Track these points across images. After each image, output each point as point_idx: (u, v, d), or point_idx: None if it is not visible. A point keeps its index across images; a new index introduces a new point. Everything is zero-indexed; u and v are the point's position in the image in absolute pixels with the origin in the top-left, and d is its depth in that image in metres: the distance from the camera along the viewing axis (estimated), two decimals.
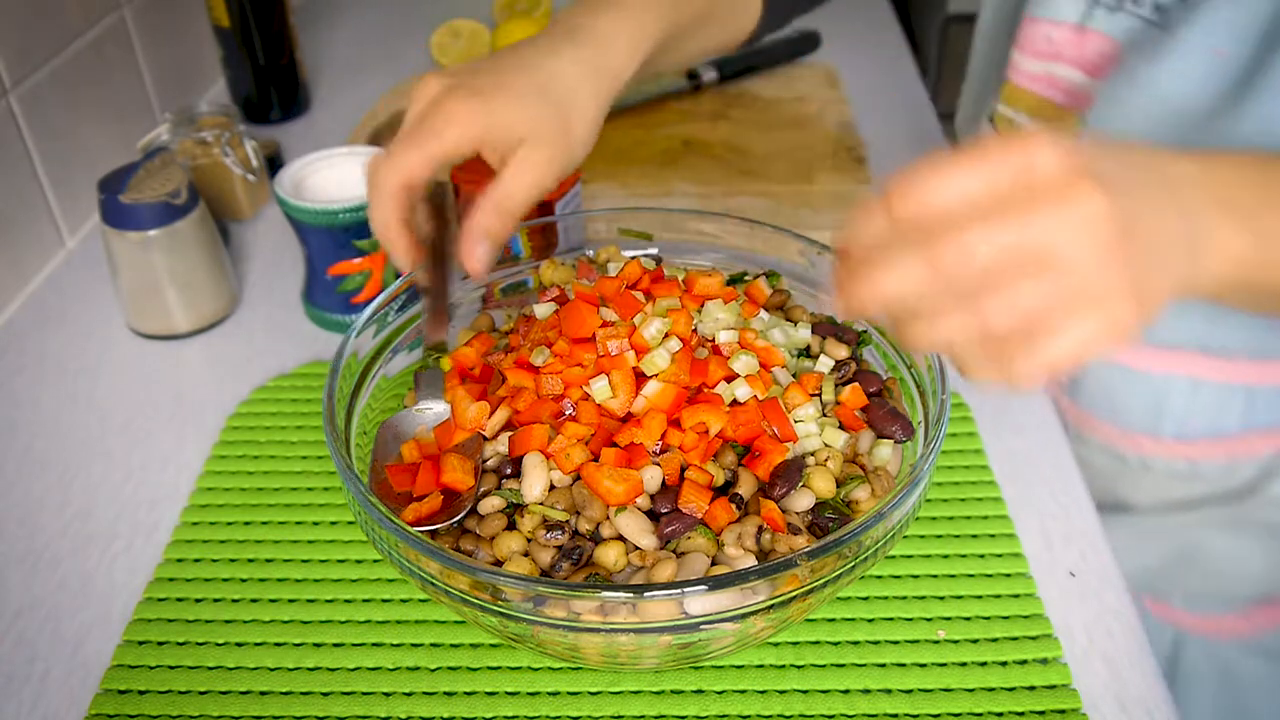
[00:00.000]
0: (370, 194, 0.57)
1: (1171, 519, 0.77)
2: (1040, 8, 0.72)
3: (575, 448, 0.53)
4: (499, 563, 0.51)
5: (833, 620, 0.59)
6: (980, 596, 0.61)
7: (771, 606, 0.47)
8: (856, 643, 0.58)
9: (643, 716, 0.55)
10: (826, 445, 0.56)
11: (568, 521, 0.51)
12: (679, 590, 0.45)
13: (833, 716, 0.55)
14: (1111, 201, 0.37)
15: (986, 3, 0.85)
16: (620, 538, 0.51)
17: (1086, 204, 0.37)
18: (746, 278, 0.66)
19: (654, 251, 0.69)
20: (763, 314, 0.62)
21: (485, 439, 0.57)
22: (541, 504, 0.52)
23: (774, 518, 0.51)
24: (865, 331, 0.62)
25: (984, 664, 0.57)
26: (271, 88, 1.10)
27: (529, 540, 0.52)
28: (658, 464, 0.53)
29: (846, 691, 0.56)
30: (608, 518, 0.51)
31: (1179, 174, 0.44)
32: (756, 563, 0.50)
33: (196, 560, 0.64)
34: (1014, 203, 0.37)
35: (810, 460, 0.55)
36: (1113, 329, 0.38)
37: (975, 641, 0.58)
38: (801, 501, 0.53)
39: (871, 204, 0.39)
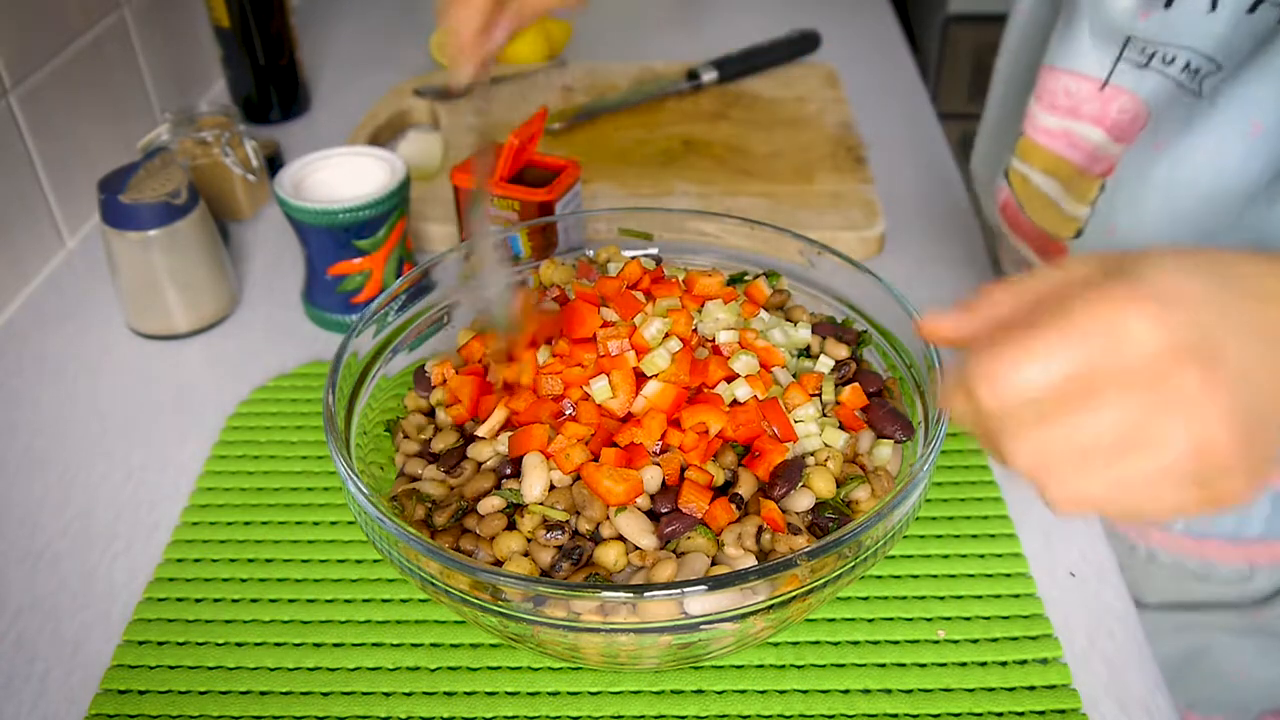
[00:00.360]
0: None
1: (1180, 619, 0.74)
2: (1060, 57, 0.66)
3: (575, 448, 0.53)
4: (499, 563, 0.51)
5: (833, 620, 0.59)
6: (980, 596, 0.61)
7: (771, 606, 0.47)
8: (856, 643, 0.58)
9: (643, 716, 0.55)
10: (826, 445, 0.56)
11: (567, 521, 0.51)
12: (679, 590, 0.45)
13: (833, 716, 0.55)
14: (1216, 382, 0.35)
15: (1005, 45, 0.79)
16: (620, 538, 0.51)
17: (1190, 391, 0.35)
18: (746, 278, 0.66)
19: (654, 251, 0.69)
20: (763, 314, 0.62)
21: (480, 437, 0.57)
22: (541, 504, 0.52)
23: (774, 518, 0.51)
24: (865, 332, 0.62)
25: (984, 664, 0.57)
26: (271, 88, 1.10)
27: (529, 540, 0.52)
28: (658, 464, 0.53)
29: (846, 691, 0.56)
30: (608, 518, 0.51)
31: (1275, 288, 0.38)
32: (756, 563, 0.50)
33: (196, 560, 0.64)
34: (1110, 393, 0.35)
35: (810, 460, 0.55)
36: (1220, 501, 0.36)
37: (975, 641, 0.58)
38: (802, 502, 0.53)
39: (956, 392, 0.38)
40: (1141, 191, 0.61)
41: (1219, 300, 0.36)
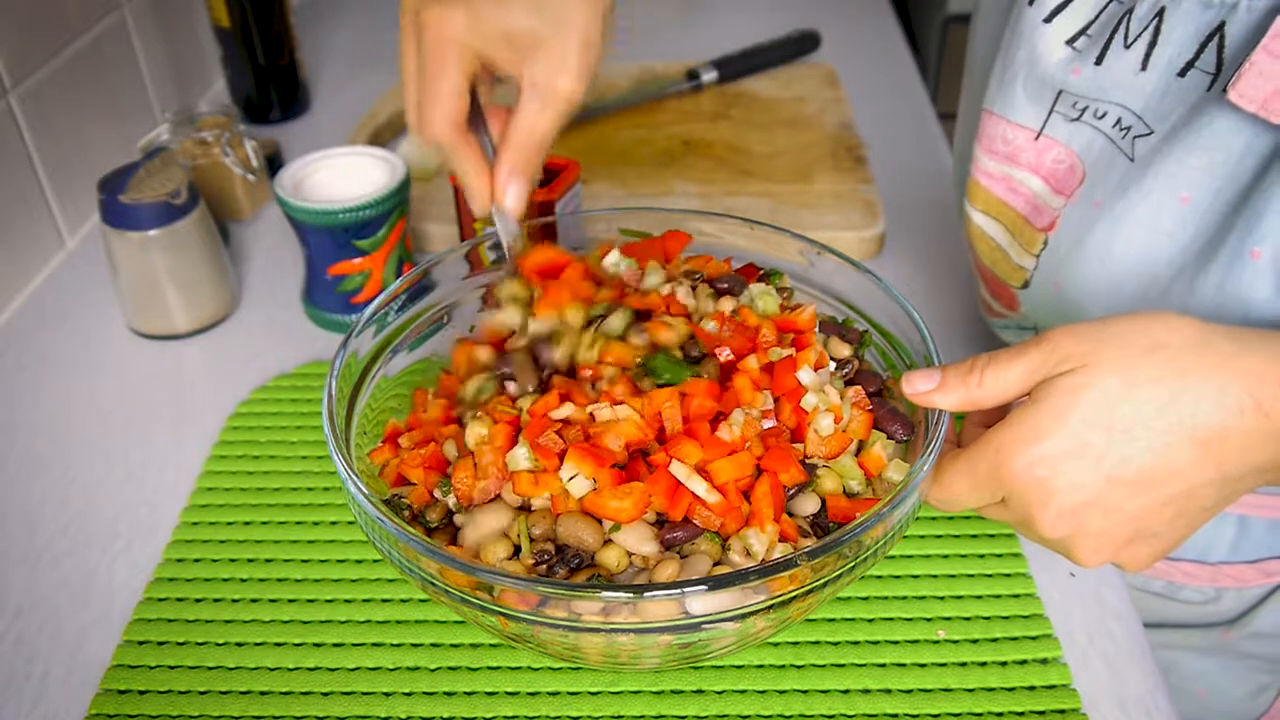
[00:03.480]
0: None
1: (1145, 638, 0.73)
2: (999, 104, 0.65)
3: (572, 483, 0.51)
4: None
5: (833, 620, 0.59)
6: (980, 596, 0.61)
7: (772, 606, 0.47)
8: (856, 643, 0.58)
9: (643, 716, 0.55)
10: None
11: (559, 546, 0.51)
12: (679, 590, 0.45)
13: (833, 716, 0.55)
14: (1083, 536, 0.46)
15: (965, 84, 0.77)
16: None
17: (1067, 541, 0.47)
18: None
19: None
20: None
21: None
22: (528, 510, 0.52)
23: (787, 529, 0.51)
24: (866, 332, 0.62)
25: (984, 664, 0.57)
26: (271, 88, 1.10)
27: (517, 548, 0.51)
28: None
29: (846, 691, 0.56)
30: (608, 540, 0.51)
31: (1210, 427, 0.44)
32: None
33: (196, 560, 0.64)
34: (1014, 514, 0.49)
35: (820, 464, 0.55)
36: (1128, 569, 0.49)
37: (975, 641, 0.58)
38: (808, 505, 0.53)
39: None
40: (1081, 251, 0.61)
41: (1112, 458, 0.44)
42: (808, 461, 0.54)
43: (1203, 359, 0.44)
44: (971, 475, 0.48)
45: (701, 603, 0.46)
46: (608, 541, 0.51)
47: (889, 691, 0.56)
